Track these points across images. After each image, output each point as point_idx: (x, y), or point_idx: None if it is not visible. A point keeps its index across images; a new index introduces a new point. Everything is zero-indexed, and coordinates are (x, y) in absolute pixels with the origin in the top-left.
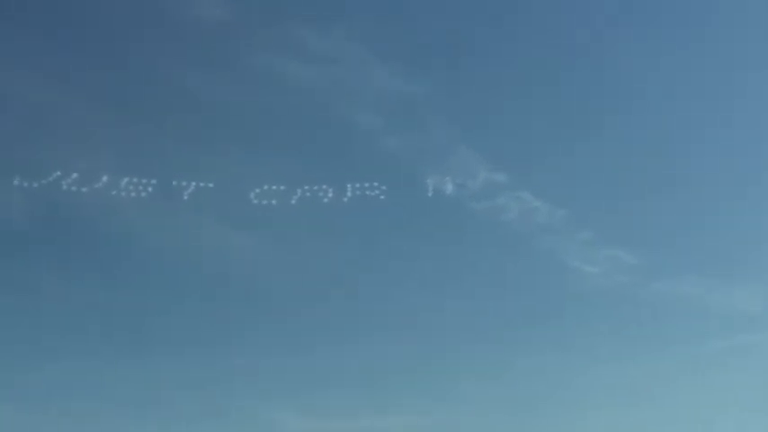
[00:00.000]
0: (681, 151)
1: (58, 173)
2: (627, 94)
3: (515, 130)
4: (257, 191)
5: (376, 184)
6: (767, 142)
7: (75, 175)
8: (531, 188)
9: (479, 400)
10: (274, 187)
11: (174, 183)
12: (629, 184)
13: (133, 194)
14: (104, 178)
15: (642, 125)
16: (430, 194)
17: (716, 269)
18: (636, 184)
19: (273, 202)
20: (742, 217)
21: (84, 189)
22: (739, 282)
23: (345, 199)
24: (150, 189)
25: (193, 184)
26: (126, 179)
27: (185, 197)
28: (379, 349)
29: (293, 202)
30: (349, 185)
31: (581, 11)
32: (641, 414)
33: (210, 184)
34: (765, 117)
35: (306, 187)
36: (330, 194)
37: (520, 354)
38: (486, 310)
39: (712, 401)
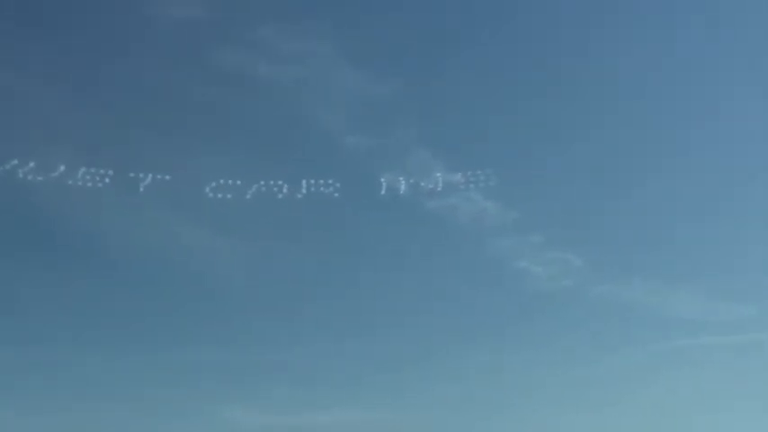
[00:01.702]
0: (631, 159)
1: (15, 161)
2: (581, 100)
3: (473, 133)
4: (213, 184)
5: (331, 181)
6: (713, 153)
7: (32, 164)
8: (484, 190)
9: (423, 396)
10: (230, 181)
11: (132, 174)
12: (580, 189)
13: (90, 184)
14: (62, 168)
15: (594, 132)
16: (384, 193)
17: (659, 274)
18: (586, 189)
19: (229, 196)
20: (686, 224)
21: (40, 178)
22: (681, 287)
23: (300, 195)
24: (107, 180)
25: (150, 176)
26: (83, 169)
27: (141, 189)
28: (328, 346)
29: (248, 196)
30: (304, 182)
31: (541, 19)
32: (583, 413)
33: (167, 177)
34: (712, 126)
35: (261, 182)
36: (285, 190)
37: (466, 352)
38: (434, 309)
39: (651, 402)
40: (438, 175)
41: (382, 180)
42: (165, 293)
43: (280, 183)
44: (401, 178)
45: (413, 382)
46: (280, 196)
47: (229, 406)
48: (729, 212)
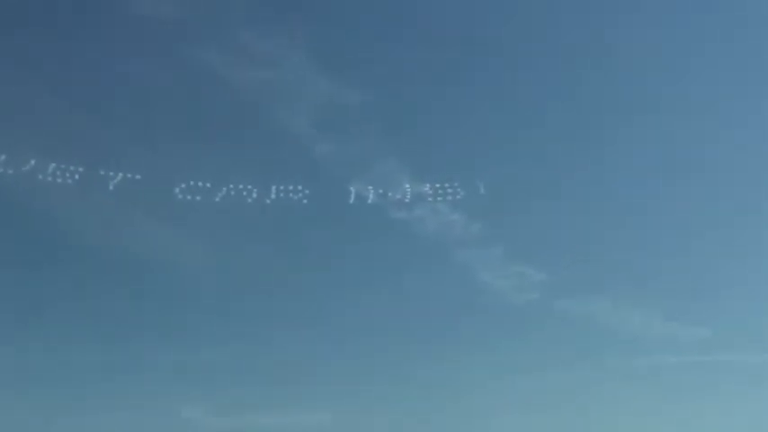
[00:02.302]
0: (596, 175)
1: None
2: (547, 114)
3: (442, 145)
4: (183, 186)
5: (300, 187)
6: (673, 170)
7: (2, 157)
8: (451, 202)
9: (378, 402)
10: (200, 183)
11: (102, 172)
12: (546, 204)
13: (60, 180)
14: (32, 162)
15: (560, 147)
16: (352, 201)
17: (618, 291)
18: (552, 205)
19: (198, 197)
20: (648, 242)
21: (10, 171)
22: (640, 306)
23: (269, 200)
24: (77, 176)
25: (121, 174)
26: (54, 164)
27: (111, 187)
28: (290, 348)
29: (217, 199)
30: (274, 187)
31: (510, 31)
32: (534, 425)
33: (138, 176)
34: (673, 143)
35: (231, 186)
36: (254, 195)
37: (423, 362)
38: (395, 318)
39: (601, 418)
40: (406, 185)
41: (351, 188)
42: (128, 292)
43: (249, 187)
44: (370, 187)
45: (371, 388)
46: (249, 200)
47: (189, 406)
48: (691, 236)
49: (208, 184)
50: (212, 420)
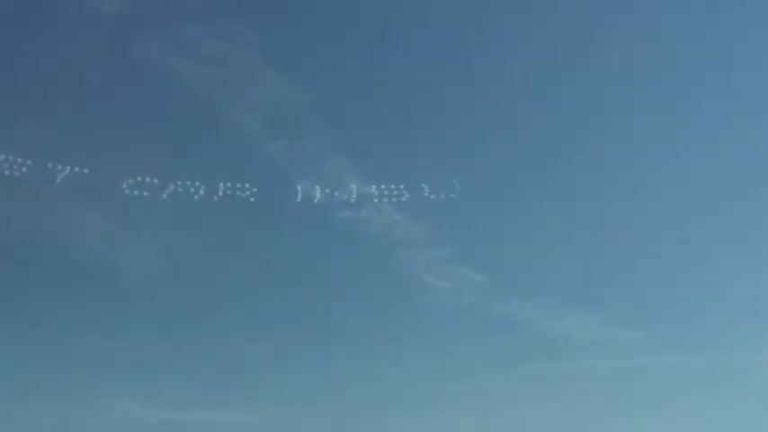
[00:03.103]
0: (538, 178)
1: None
2: (494, 117)
3: (390, 147)
4: (130, 181)
5: (248, 185)
6: (611, 178)
7: None
8: (396, 203)
9: (314, 400)
10: (148, 179)
11: (50, 165)
12: (489, 207)
13: (7, 173)
14: None
15: (503, 150)
16: (299, 200)
17: (556, 296)
18: (495, 208)
19: (145, 193)
20: (586, 250)
21: None
22: (576, 310)
23: (216, 197)
24: (24, 169)
25: (68, 168)
26: (1, 157)
27: (58, 180)
28: (230, 347)
29: (164, 195)
30: (221, 184)
31: (459, 34)
32: (471, 424)
33: (85, 171)
34: (613, 150)
35: (179, 182)
36: (201, 192)
37: (362, 361)
38: (337, 317)
39: (541, 420)
40: (353, 186)
41: (298, 187)
42: (72, 285)
43: (197, 184)
44: (317, 187)
45: (309, 386)
46: (196, 197)
47: (127, 401)
48: (626, 242)
49: (155, 181)
50: (150, 415)
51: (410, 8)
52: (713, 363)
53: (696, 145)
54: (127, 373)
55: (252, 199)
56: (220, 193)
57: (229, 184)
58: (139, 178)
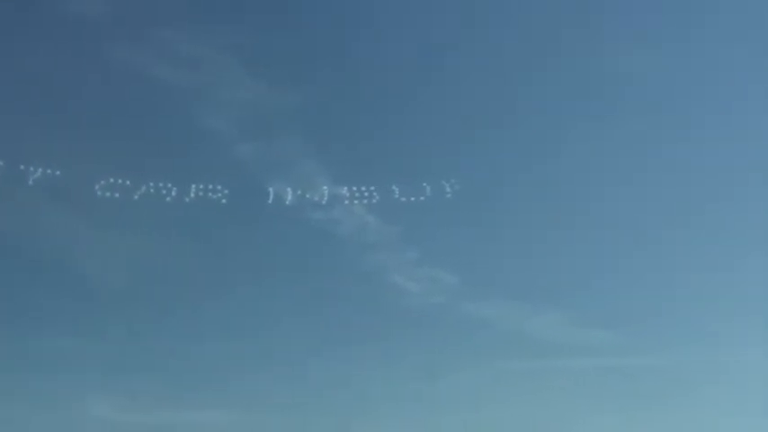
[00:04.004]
0: (508, 178)
1: None
2: (462, 118)
3: (361, 149)
4: (102, 183)
5: (219, 187)
6: (582, 176)
7: None
8: (367, 205)
9: (285, 400)
10: (120, 181)
11: (22, 166)
12: (459, 208)
13: None
14: None
15: (475, 149)
16: (270, 202)
17: (526, 296)
18: (466, 208)
19: (117, 195)
20: (557, 248)
21: None
22: (545, 310)
23: (188, 199)
24: None
25: (40, 169)
26: None
27: (31, 182)
28: (200, 347)
29: (136, 197)
30: (193, 186)
31: (432, 38)
32: (436, 425)
33: (58, 172)
34: (583, 150)
35: (151, 184)
36: (173, 193)
37: (331, 361)
38: (306, 318)
39: (512, 421)
40: (324, 187)
41: (270, 189)
42: (43, 286)
43: (169, 185)
44: (288, 188)
45: (277, 386)
46: (168, 199)
47: (96, 402)
48: (598, 242)
49: (127, 182)
50: (119, 416)
51: (384, 13)
52: (682, 362)
53: (671, 148)
54: (99, 375)
55: (223, 201)
56: (192, 195)
57: (201, 186)
58: (111, 179)
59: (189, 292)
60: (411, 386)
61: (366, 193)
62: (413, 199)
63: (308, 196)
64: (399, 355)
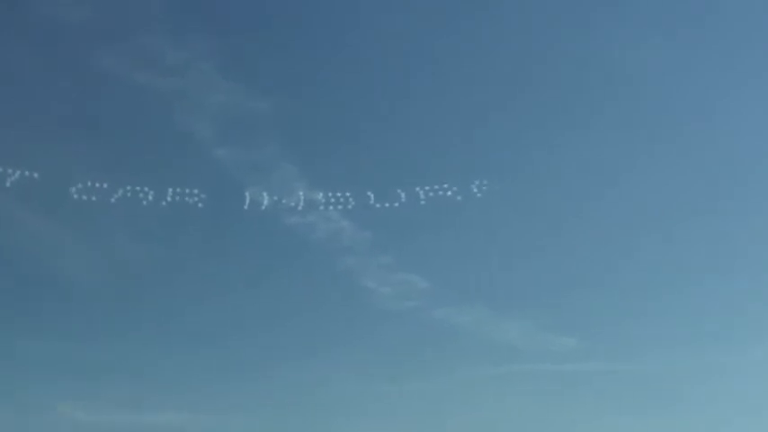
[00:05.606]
0: (480, 187)
1: None
2: (436, 125)
3: (338, 155)
4: (79, 186)
5: (196, 191)
6: (554, 184)
7: None
8: (342, 210)
9: (253, 403)
10: (97, 184)
11: (0, 170)
12: (432, 214)
13: None
14: None
15: (448, 157)
16: (247, 207)
17: (495, 302)
18: (438, 215)
19: (94, 198)
20: (527, 256)
21: None
22: (513, 316)
23: (165, 203)
24: None
25: (18, 172)
26: None
27: (8, 184)
28: (170, 349)
29: (113, 200)
30: (170, 190)
31: (415, 37)
32: (414, 428)
33: (35, 175)
34: (565, 161)
35: (128, 187)
36: (150, 197)
37: (302, 365)
38: (279, 322)
39: (480, 426)
40: (300, 193)
41: (246, 194)
42: (17, 288)
43: (146, 189)
44: (265, 193)
45: (246, 389)
46: (144, 203)
47: (65, 402)
48: (564, 251)
49: (105, 185)
50: (88, 417)
51: (362, 20)
52: (648, 368)
53: (643, 154)
54: (70, 377)
55: (200, 205)
56: (169, 199)
57: (178, 190)
58: (89, 183)
59: (164, 296)
60: (382, 389)
61: (342, 199)
62: (387, 205)
63: (284, 201)
64: (371, 359)
